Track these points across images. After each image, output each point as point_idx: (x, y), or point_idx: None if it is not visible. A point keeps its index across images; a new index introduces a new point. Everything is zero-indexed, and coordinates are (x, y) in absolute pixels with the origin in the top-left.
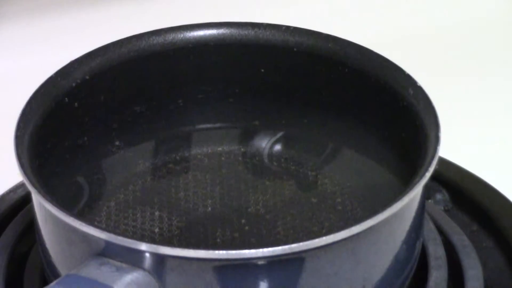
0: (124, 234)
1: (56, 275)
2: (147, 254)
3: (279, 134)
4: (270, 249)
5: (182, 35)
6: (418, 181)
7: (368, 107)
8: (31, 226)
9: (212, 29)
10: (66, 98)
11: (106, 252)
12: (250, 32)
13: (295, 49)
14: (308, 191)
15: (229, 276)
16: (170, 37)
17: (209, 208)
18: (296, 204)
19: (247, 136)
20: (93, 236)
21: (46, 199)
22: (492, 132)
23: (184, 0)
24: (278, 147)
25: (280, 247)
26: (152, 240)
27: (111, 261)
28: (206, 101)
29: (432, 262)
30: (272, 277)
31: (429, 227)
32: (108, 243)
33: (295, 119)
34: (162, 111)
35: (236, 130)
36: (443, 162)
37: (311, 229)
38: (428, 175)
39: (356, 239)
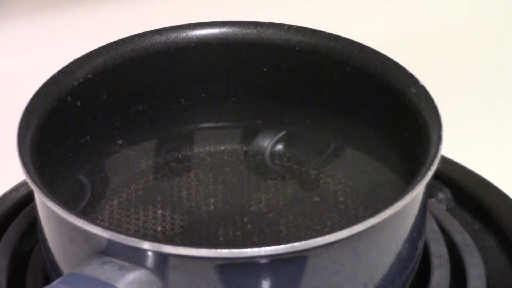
0: (126, 232)
1: (58, 273)
2: (150, 253)
3: (282, 133)
4: (273, 247)
5: (184, 34)
6: (420, 180)
7: (371, 106)
8: (34, 224)
9: (214, 28)
10: (68, 97)
11: (109, 250)
12: (253, 31)
13: (297, 48)
14: (311, 190)
15: (231, 274)
16: (173, 36)
17: (212, 207)
18: (299, 203)
19: (250, 135)
20: (95, 234)
21: (49, 197)
22: (495, 131)
23: None
24: (280, 146)
25: (282, 246)
26: (154, 239)
27: (113, 259)
28: (209, 100)
29: (435, 261)
30: (275, 276)
31: (431, 226)
32: (110, 242)
33: (298, 118)
34: (165, 110)
35: (239, 129)
36: (445, 161)
37: (314, 228)
38: (430, 174)
39: (358, 238)
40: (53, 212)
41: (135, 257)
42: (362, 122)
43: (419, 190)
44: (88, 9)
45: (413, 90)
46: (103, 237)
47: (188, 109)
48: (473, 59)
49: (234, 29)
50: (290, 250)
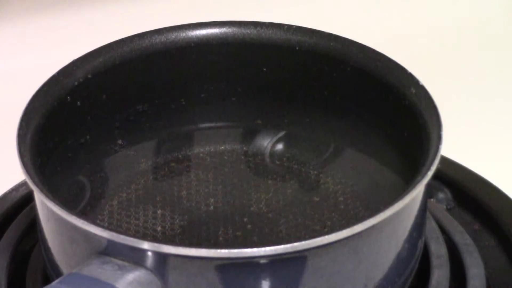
0: (126, 232)
1: (58, 273)
2: (150, 253)
3: (282, 133)
4: (273, 247)
5: (184, 34)
6: (420, 180)
7: (370, 106)
8: (33, 224)
9: (214, 28)
10: (68, 97)
11: (109, 250)
12: (253, 31)
13: (297, 48)
14: (311, 190)
15: (231, 275)
16: (173, 36)
17: (212, 207)
18: (298, 203)
19: (250, 135)
20: (95, 234)
21: (48, 197)
22: (494, 131)
23: None
24: (280, 146)
25: (282, 246)
26: (154, 239)
27: (113, 259)
28: (209, 100)
29: (434, 261)
30: (274, 276)
31: (431, 226)
32: (110, 242)
33: (297, 118)
34: (165, 110)
35: (239, 129)
36: (445, 161)
37: (313, 228)
38: (430, 174)
39: (358, 238)
40: (53, 212)
41: (135, 257)
42: (362, 122)
43: (419, 190)
44: (88, 9)
45: (413, 90)
46: (103, 237)
47: (188, 109)
48: (473, 59)
49: (234, 29)
50: (290, 250)
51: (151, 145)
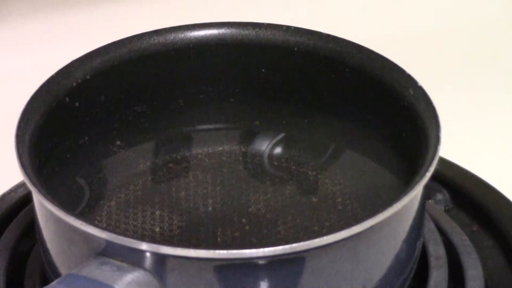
0: (124, 233)
1: (56, 274)
2: (148, 254)
3: (280, 134)
4: (271, 248)
5: (183, 35)
6: (419, 181)
7: (369, 107)
8: (32, 225)
9: (213, 29)
10: (67, 98)
11: (107, 251)
12: (251, 32)
13: (295, 49)
14: (309, 191)
15: (229, 275)
16: (171, 37)
17: (210, 208)
18: (297, 204)
19: (248, 136)
20: (93, 235)
21: (47, 198)
22: (493, 132)
23: (184, 0)
24: (278, 147)
25: (280, 247)
26: (152, 240)
27: (111, 260)
28: (207, 101)
29: (433, 262)
30: (273, 277)
31: (429, 227)
32: (108, 243)
33: (296, 119)
34: (163, 111)
35: (237, 130)
36: (443, 162)
37: (312, 229)
38: (428, 175)
39: (356, 239)
40: (51, 213)
41: (133, 258)
42: (360, 123)
43: (417, 191)
44: (87, 10)
45: (412, 91)
46: (101, 238)
47: (186, 110)
48: (472, 60)
49: (233, 30)
50: (288, 251)
51: (150, 146)
